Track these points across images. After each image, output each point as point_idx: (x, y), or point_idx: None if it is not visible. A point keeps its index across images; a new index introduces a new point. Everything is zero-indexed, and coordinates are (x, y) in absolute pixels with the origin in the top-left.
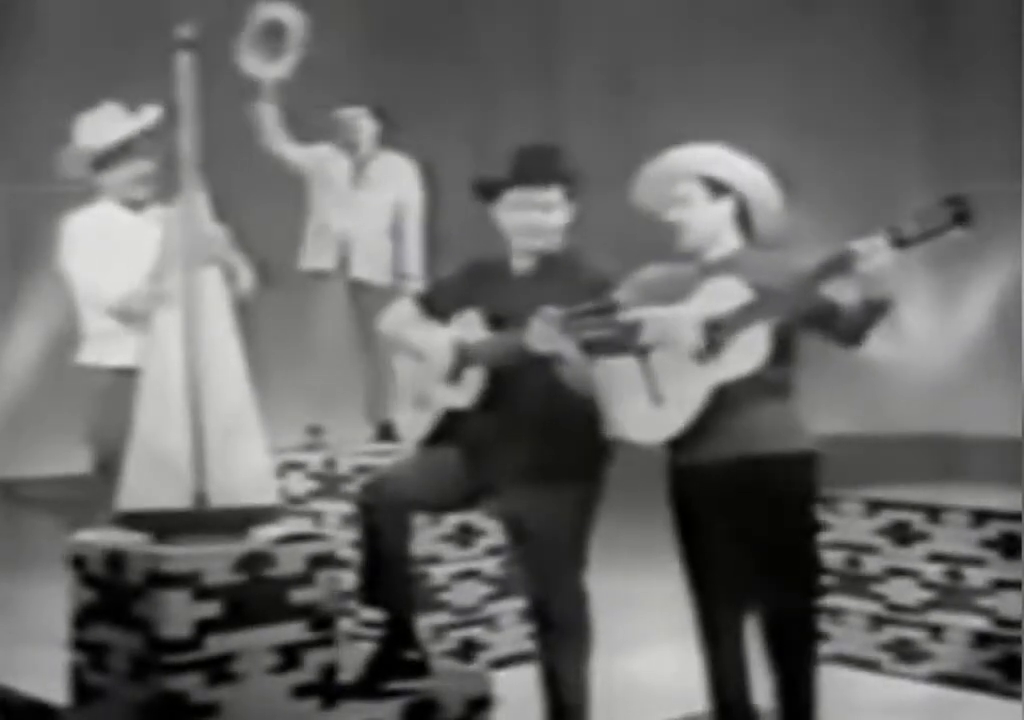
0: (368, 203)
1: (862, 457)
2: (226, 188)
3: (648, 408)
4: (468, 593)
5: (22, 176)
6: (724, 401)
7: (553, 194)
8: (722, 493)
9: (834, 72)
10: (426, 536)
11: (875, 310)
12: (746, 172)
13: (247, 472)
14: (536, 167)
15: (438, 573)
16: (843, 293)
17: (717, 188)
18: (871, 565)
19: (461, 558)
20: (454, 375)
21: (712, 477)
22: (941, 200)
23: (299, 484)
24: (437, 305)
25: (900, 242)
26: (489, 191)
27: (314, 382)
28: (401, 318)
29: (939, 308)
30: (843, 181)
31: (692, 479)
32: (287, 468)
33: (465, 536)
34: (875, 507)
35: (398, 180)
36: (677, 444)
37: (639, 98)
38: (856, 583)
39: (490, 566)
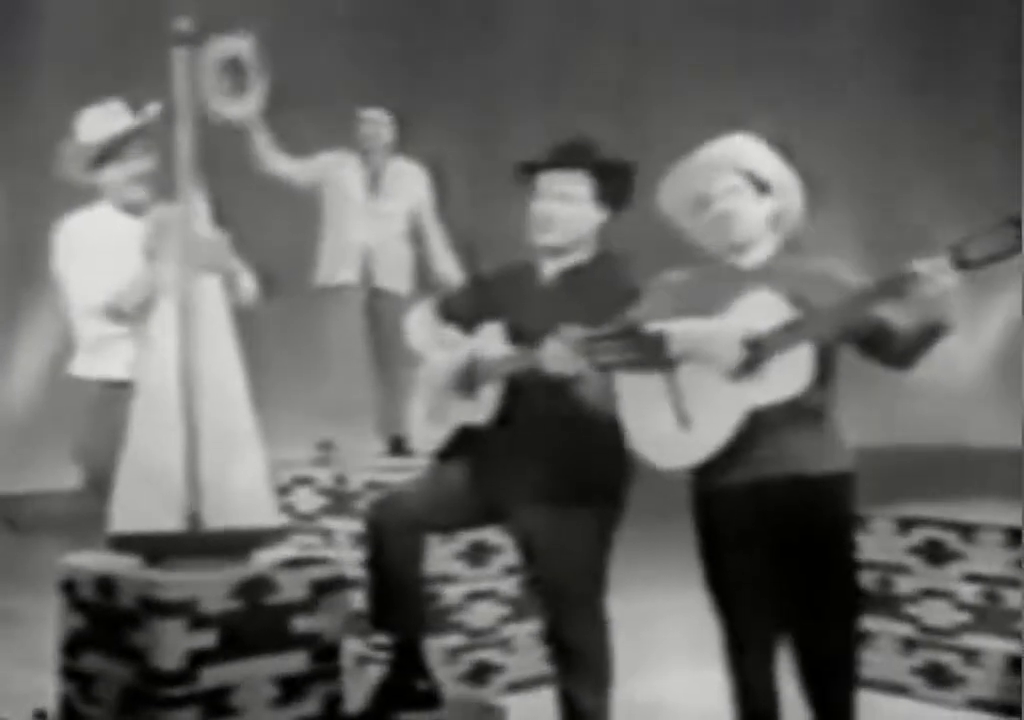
0: (386, 211)
1: (888, 471)
2: (228, 191)
3: (674, 431)
4: (483, 614)
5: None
6: (759, 425)
7: (577, 184)
8: (755, 516)
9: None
10: (439, 554)
11: (931, 333)
12: (783, 173)
13: (246, 491)
14: (565, 152)
15: (452, 593)
16: (898, 314)
17: (760, 186)
18: (903, 586)
19: (476, 577)
20: (470, 390)
21: (744, 501)
22: (1004, 220)
23: (308, 500)
24: (457, 312)
25: (963, 263)
26: (523, 173)
27: (326, 395)
28: (419, 326)
29: (964, 319)
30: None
31: (721, 503)
32: (296, 483)
33: (480, 554)
34: (907, 525)
35: (412, 186)
36: (705, 468)
37: (646, 105)
38: (888, 605)
39: (506, 586)
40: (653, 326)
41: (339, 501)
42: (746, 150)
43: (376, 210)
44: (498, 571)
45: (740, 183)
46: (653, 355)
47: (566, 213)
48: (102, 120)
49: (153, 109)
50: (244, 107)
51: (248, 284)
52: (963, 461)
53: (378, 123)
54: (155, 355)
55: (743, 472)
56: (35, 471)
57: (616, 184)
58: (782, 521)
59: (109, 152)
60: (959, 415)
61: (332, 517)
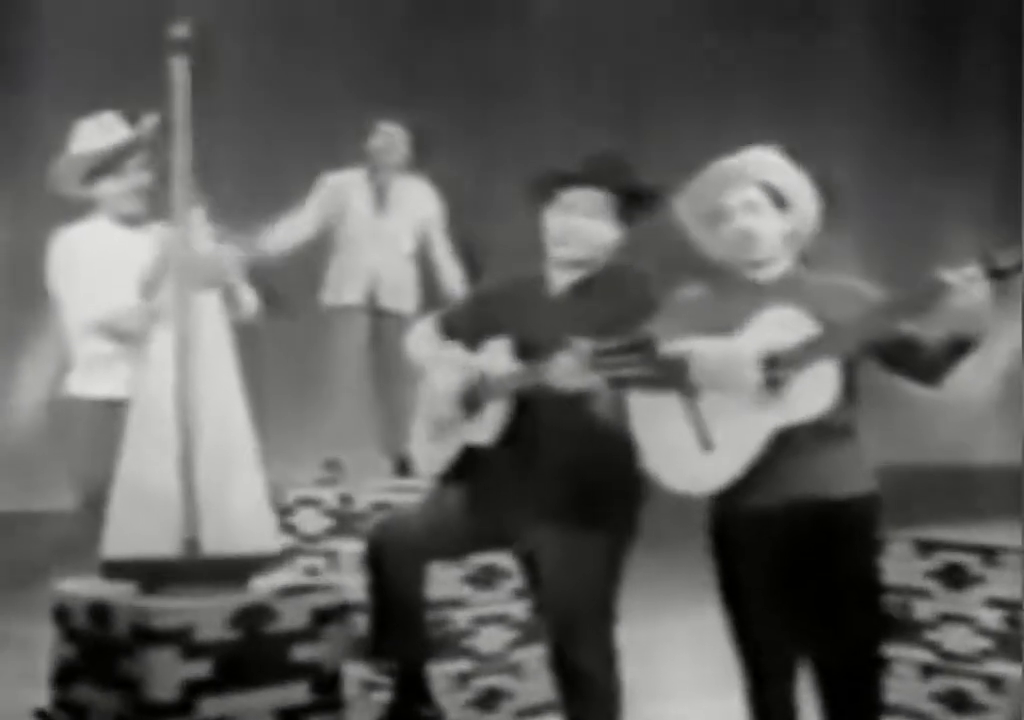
0: (391, 229)
1: (902, 491)
2: (231, 205)
3: (694, 453)
4: (493, 639)
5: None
6: (783, 447)
7: (603, 199)
8: (777, 540)
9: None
10: (447, 578)
11: (962, 347)
12: (802, 187)
13: (245, 515)
14: (594, 168)
15: (460, 617)
16: (927, 327)
17: (778, 200)
18: (923, 611)
19: (484, 601)
20: (475, 409)
21: (766, 524)
22: None
23: (314, 521)
24: (460, 328)
25: (996, 273)
26: (545, 188)
27: (332, 414)
28: (421, 342)
29: None
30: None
31: (742, 527)
32: (301, 504)
33: (489, 578)
34: (926, 548)
35: (419, 203)
36: (725, 491)
37: (650, 118)
38: (907, 630)
39: (516, 610)
40: (670, 345)
41: (345, 522)
42: (765, 163)
43: (381, 228)
44: (507, 595)
45: (759, 197)
46: (670, 373)
47: (589, 228)
48: (96, 132)
49: (150, 121)
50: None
51: (249, 298)
52: (978, 481)
53: (393, 138)
54: (151, 373)
55: (766, 495)
56: (32, 491)
57: (640, 205)
58: (806, 545)
59: (104, 165)
60: (971, 433)
61: (338, 538)
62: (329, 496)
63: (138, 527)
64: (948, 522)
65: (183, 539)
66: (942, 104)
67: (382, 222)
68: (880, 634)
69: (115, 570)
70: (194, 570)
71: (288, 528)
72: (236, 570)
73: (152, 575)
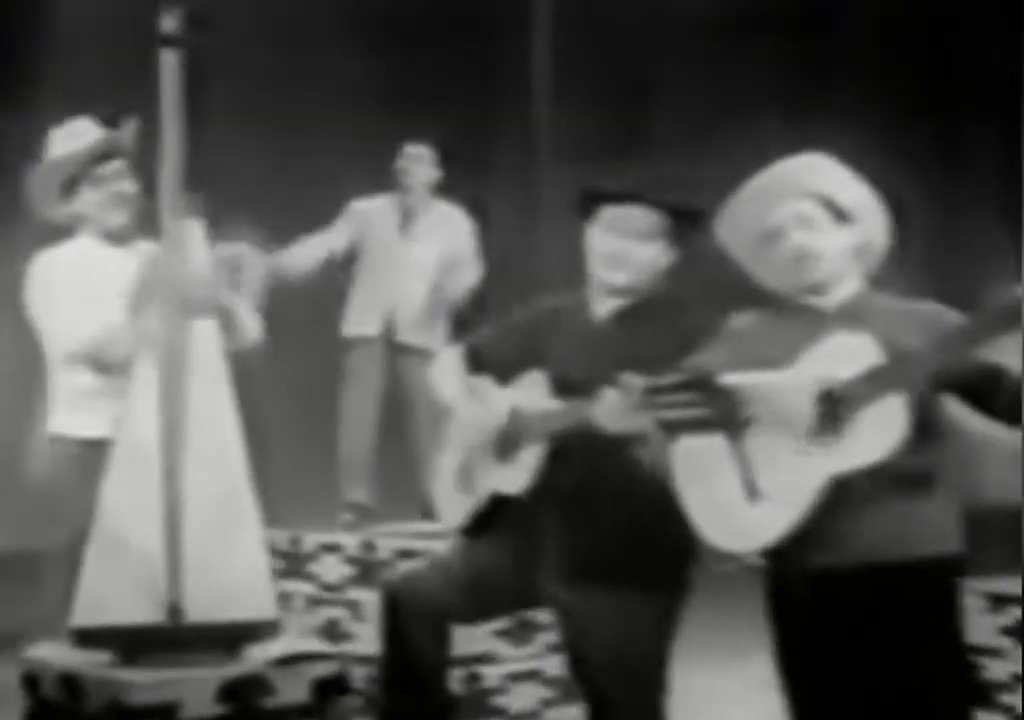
0: (416, 259)
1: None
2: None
3: (740, 504)
4: (525, 697)
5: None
6: (846, 496)
7: (655, 220)
8: (839, 607)
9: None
10: (478, 632)
11: None
12: (865, 197)
13: (239, 575)
14: (642, 184)
15: (491, 674)
16: (1010, 354)
17: (838, 213)
18: (996, 671)
19: (518, 657)
20: (506, 452)
21: (826, 588)
22: None
23: (334, 569)
24: (490, 359)
25: None
26: (590, 202)
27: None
28: (446, 375)
29: None
30: None
31: (799, 590)
32: (321, 550)
33: (522, 632)
34: (998, 602)
35: (449, 231)
36: (777, 550)
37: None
38: (980, 693)
39: (550, 666)
40: (721, 377)
41: (367, 570)
42: (819, 171)
43: (404, 256)
44: (541, 650)
45: (814, 210)
46: (723, 412)
47: (641, 252)
48: (68, 139)
49: (130, 124)
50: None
51: (251, 324)
52: None
53: (421, 160)
54: (135, 409)
55: (825, 555)
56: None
57: (691, 226)
58: (874, 614)
59: (80, 170)
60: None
61: (360, 588)
62: (351, 542)
63: (115, 588)
64: (1010, 571)
65: (167, 602)
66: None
67: (406, 250)
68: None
69: (88, 638)
70: (179, 637)
71: (307, 576)
72: (227, 638)
73: (131, 643)
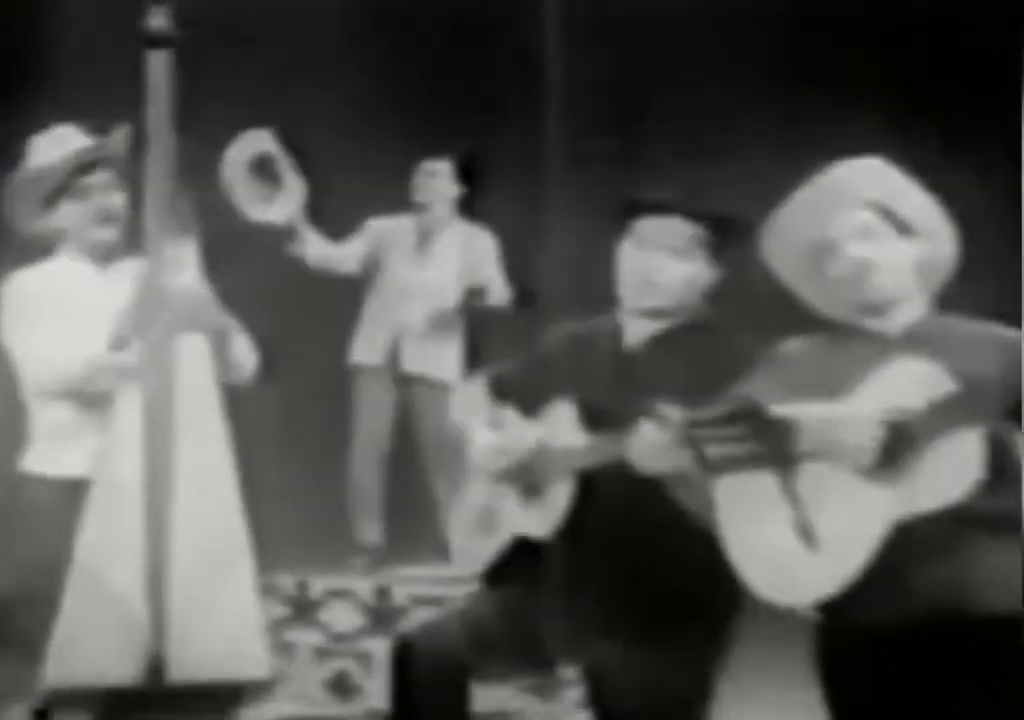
0: (431, 283)
1: None
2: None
3: (793, 551)
4: None
5: None
6: (911, 542)
7: (691, 236)
8: (904, 669)
9: None
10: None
11: None
12: (929, 207)
13: (229, 630)
14: (680, 194)
15: None
16: None
17: (900, 225)
18: None
19: (543, 714)
20: (532, 491)
21: (889, 647)
22: None
23: (346, 617)
24: (515, 389)
25: None
26: (622, 214)
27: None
28: (467, 406)
29: None
30: None
31: (857, 649)
32: (331, 597)
33: (548, 687)
34: None
35: (469, 253)
36: (836, 603)
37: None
38: None
39: None
40: (770, 409)
41: (381, 619)
42: (877, 177)
43: (417, 280)
44: (568, 706)
45: (874, 221)
46: (773, 447)
47: (678, 270)
48: (50, 147)
49: (120, 132)
50: (285, 207)
51: (246, 350)
52: None
53: (440, 176)
54: (118, 447)
55: (889, 608)
56: None
57: (735, 241)
58: (936, 677)
59: (65, 184)
60: None
61: (372, 638)
62: (363, 587)
63: (92, 642)
64: None
65: (148, 658)
66: None
67: (420, 274)
68: None
69: (62, 700)
70: (162, 700)
71: (315, 625)
72: (215, 700)
73: (109, 706)
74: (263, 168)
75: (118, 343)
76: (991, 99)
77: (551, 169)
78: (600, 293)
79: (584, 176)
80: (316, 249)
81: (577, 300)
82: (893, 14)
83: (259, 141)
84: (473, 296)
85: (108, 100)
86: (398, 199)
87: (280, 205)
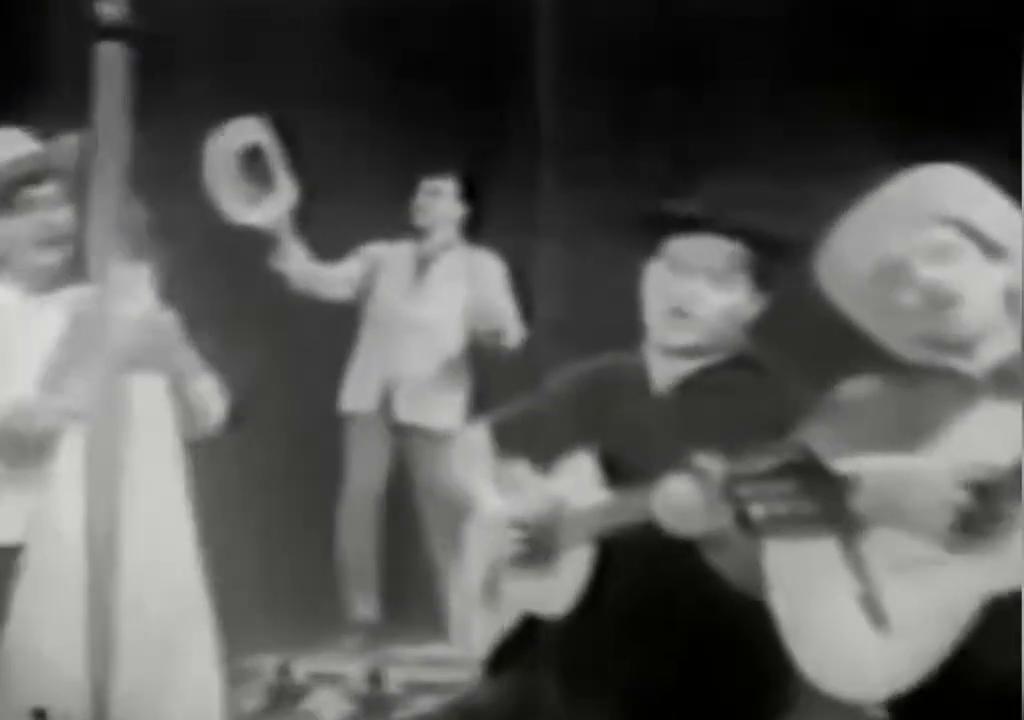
0: (428, 319)
1: None
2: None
3: (860, 634)
4: None
5: None
6: (1005, 624)
7: (736, 255)
8: None
9: None
10: None
11: None
12: (1016, 222)
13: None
14: (718, 208)
15: None
16: None
17: (985, 246)
18: None
19: None
20: (544, 559)
21: None
22: None
23: (332, 707)
24: (525, 439)
25: None
26: (650, 231)
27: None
28: (469, 459)
29: None
30: None
31: None
32: (316, 682)
33: None
34: None
35: (474, 283)
36: (913, 699)
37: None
38: None
39: None
40: (829, 461)
41: (372, 708)
42: (957, 188)
43: (413, 316)
44: None
45: (956, 240)
46: (833, 507)
47: (717, 298)
48: None
49: (69, 139)
50: (272, 210)
51: (212, 393)
52: None
53: (444, 196)
54: (56, 504)
55: (971, 707)
56: None
57: (783, 263)
58: None
59: (5, 195)
60: None
61: None
62: (353, 672)
63: None
64: None
65: None
66: None
67: (415, 309)
68: None
69: None
70: None
71: (299, 716)
72: None
73: None
74: (252, 162)
75: (49, 384)
76: (991, 99)
77: (545, 191)
78: (604, 324)
79: (581, 196)
80: (301, 266)
81: (581, 333)
82: (893, 14)
83: (250, 130)
84: (488, 340)
85: (59, 103)
86: (389, 222)
87: (268, 206)
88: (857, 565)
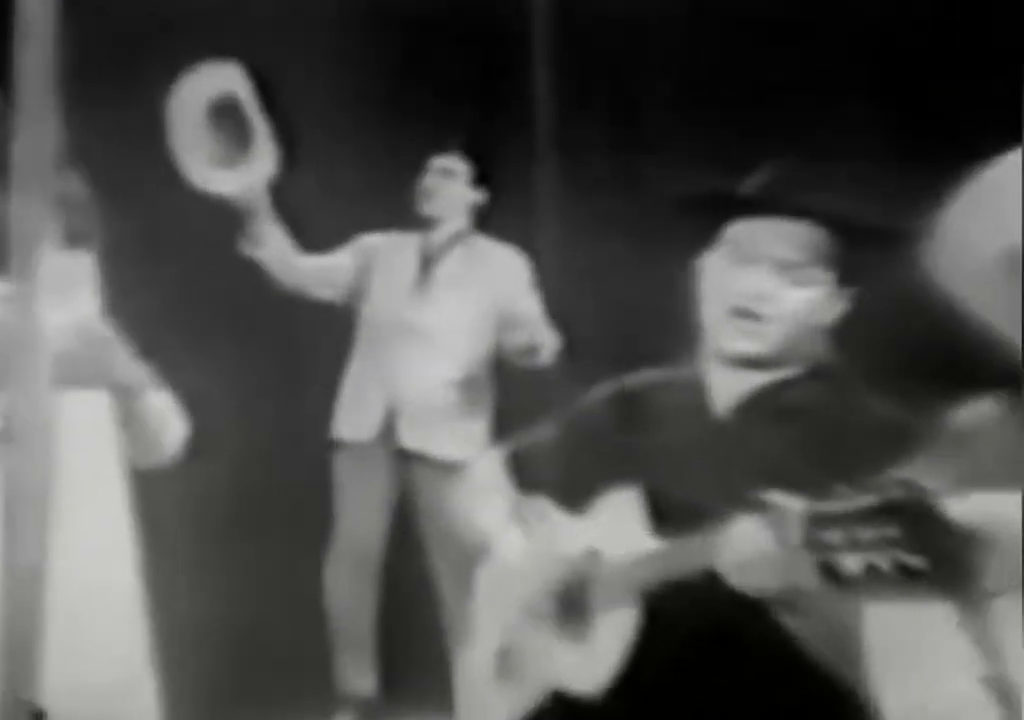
0: (434, 326)
1: None
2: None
3: (980, 714)
4: None
5: None
6: None
7: (817, 244)
8: None
9: None
10: None
11: None
12: None
13: None
14: (792, 193)
15: None
16: None
17: None
18: None
19: None
20: (576, 622)
21: None
22: None
23: None
24: (553, 471)
25: None
26: (708, 214)
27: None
28: (483, 496)
29: None
30: None
31: None
32: None
33: None
34: None
35: (492, 282)
36: None
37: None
38: None
39: None
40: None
41: None
42: None
43: (416, 322)
44: None
45: None
46: (946, 560)
47: (791, 296)
48: None
49: None
50: (246, 177)
51: (168, 413)
52: None
53: (452, 176)
54: None
55: None
56: None
57: (871, 255)
58: None
59: None
60: None
61: None
62: None
63: None
64: None
65: None
66: None
67: (419, 314)
68: None
69: None
70: None
71: None
72: None
73: None
74: (224, 117)
75: None
76: (992, 99)
77: (545, 193)
78: (633, 333)
79: (583, 199)
80: (281, 253)
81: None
82: (892, 15)
83: (224, 78)
84: (518, 357)
85: None
86: (385, 210)
87: (243, 171)
88: (981, 635)
